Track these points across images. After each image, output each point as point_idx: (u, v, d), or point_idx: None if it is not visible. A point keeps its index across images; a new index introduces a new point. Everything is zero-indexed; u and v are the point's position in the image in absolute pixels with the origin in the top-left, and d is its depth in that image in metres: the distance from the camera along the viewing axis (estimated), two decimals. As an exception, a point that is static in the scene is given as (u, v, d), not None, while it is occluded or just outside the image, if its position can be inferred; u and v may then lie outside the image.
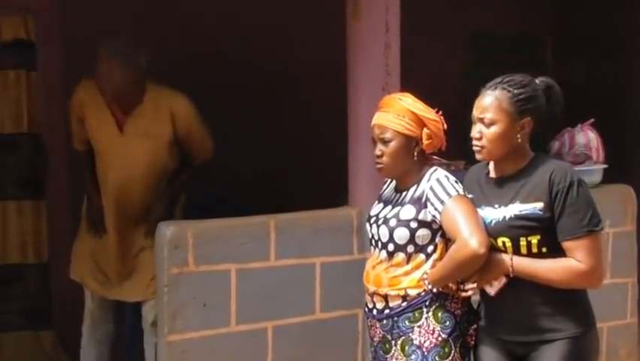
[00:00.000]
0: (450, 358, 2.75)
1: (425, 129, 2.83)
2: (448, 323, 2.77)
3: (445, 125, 2.91)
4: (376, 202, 3.01)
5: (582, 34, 6.44)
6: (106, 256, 3.77)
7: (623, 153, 5.75)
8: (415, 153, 2.84)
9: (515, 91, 2.68)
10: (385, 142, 2.83)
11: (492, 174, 2.81)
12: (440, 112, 2.93)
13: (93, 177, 3.80)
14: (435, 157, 3.79)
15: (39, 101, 4.78)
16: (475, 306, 2.90)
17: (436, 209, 2.76)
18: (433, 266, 2.79)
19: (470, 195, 2.79)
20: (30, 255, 4.88)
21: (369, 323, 2.94)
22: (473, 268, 2.67)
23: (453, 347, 2.76)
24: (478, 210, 2.74)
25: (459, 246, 2.66)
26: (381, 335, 2.87)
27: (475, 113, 2.74)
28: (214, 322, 3.34)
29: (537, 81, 2.76)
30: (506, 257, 2.66)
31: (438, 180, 2.81)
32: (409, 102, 2.86)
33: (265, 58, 5.10)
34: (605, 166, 4.20)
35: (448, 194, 2.75)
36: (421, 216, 2.78)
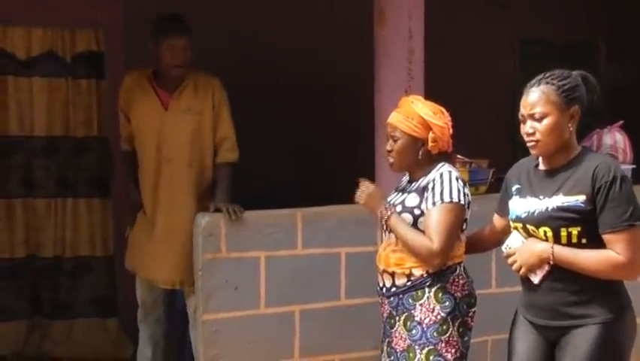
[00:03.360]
0: (447, 335, 2.96)
1: (431, 133, 3.05)
2: (447, 303, 2.99)
3: (451, 129, 3.11)
4: (393, 192, 3.25)
5: (636, 39, 6.48)
6: (151, 239, 3.94)
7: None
8: (420, 153, 3.07)
9: (559, 83, 2.78)
10: (395, 140, 3.10)
11: (541, 166, 2.88)
12: (447, 112, 3.13)
13: (134, 174, 4.07)
14: (458, 155, 4.03)
15: (107, 107, 5.19)
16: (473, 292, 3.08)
17: (426, 203, 2.99)
18: None
19: (517, 186, 2.93)
20: (98, 248, 5.29)
21: (380, 301, 3.17)
22: (416, 257, 2.99)
23: (451, 326, 2.97)
24: (522, 200, 2.85)
25: (425, 247, 2.94)
26: (388, 312, 3.10)
27: (524, 110, 2.81)
28: (245, 304, 3.65)
29: (576, 75, 2.85)
30: (547, 246, 2.74)
31: (441, 175, 3.02)
32: (419, 106, 3.10)
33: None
34: (633, 167, 4.28)
35: (442, 198, 2.96)
36: (422, 205, 3.01)
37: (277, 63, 5.42)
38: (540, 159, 2.90)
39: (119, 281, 5.16)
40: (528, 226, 2.81)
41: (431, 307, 2.99)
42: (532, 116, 2.79)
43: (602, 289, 2.73)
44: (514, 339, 2.95)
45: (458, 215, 2.98)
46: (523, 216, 2.83)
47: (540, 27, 6.41)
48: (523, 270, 2.81)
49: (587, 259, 2.69)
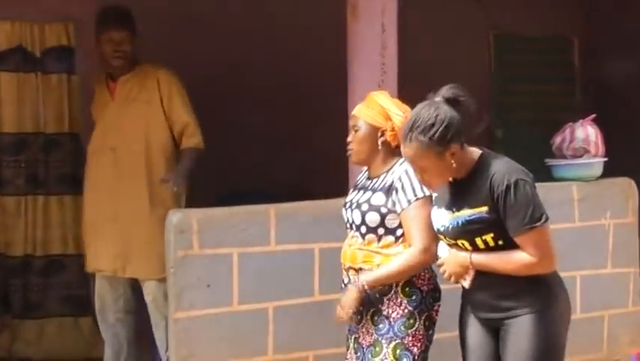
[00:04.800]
0: (414, 328, 3.00)
1: (389, 122, 3.06)
2: (414, 296, 3.02)
3: None
4: (352, 189, 3.27)
5: (610, 36, 6.51)
6: (97, 229, 4.08)
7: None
8: (380, 143, 3.08)
9: (428, 134, 2.73)
10: (356, 130, 3.13)
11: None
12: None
13: None
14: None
15: (78, 103, 5.13)
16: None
17: (400, 203, 3.00)
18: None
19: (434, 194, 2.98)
20: (70, 246, 5.20)
21: None
22: (416, 272, 3.00)
23: (418, 320, 3.01)
24: (438, 211, 2.91)
25: (413, 255, 2.96)
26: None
27: (410, 162, 2.85)
28: (217, 301, 3.62)
29: (443, 107, 2.73)
30: (466, 255, 2.83)
31: (407, 172, 3.01)
32: (379, 97, 3.15)
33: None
34: (605, 160, 4.31)
35: (415, 195, 2.98)
36: (389, 204, 3.02)
37: (250, 58, 5.40)
38: None
39: (92, 279, 5.06)
40: (447, 239, 2.89)
41: (398, 301, 3.01)
42: (422, 168, 2.80)
43: (528, 282, 2.80)
44: (465, 331, 3.02)
45: (430, 207, 2.98)
46: (442, 230, 2.90)
47: (515, 21, 6.42)
48: (452, 278, 2.91)
49: (503, 262, 2.78)
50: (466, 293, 2.98)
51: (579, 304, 4.11)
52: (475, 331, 2.97)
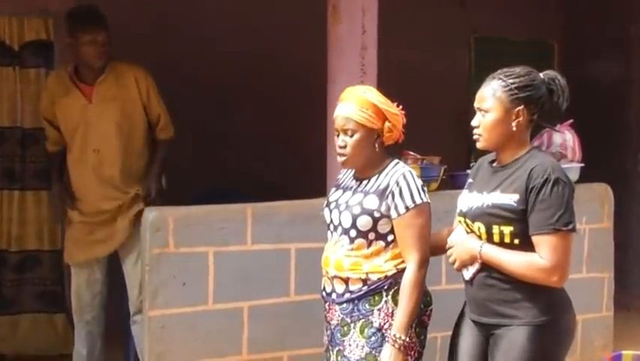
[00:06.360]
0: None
1: (387, 122, 2.89)
2: None
3: (404, 119, 2.99)
4: (334, 189, 3.07)
5: (590, 41, 6.57)
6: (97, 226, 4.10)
7: (621, 154, 5.90)
8: (377, 145, 2.90)
9: (510, 80, 2.75)
10: (349, 134, 2.88)
11: (495, 163, 2.87)
12: (401, 107, 3.03)
13: (59, 174, 4.22)
14: (410, 152, 4.01)
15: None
16: None
17: (396, 209, 2.84)
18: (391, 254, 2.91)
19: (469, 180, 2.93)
20: (46, 242, 5.17)
21: (327, 307, 3.00)
22: (423, 286, 2.87)
23: (410, 327, 2.83)
24: (469, 195, 2.84)
25: (415, 274, 2.82)
26: (339, 318, 2.93)
27: (475, 103, 2.82)
28: (193, 300, 3.60)
29: (541, 75, 2.81)
30: (477, 244, 2.74)
31: (404, 176, 2.86)
32: (371, 95, 2.91)
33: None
34: (581, 165, 4.33)
35: (414, 201, 2.83)
36: (383, 208, 2.84)
37: (226, 58, 5.39)
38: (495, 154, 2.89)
39: (67, 276, 5.02)
40: (467, 220, 2.82)
41: (390, 311, 2.85)
42: (479, 110, 2.80)
43: (533, 291, 2.69)
44: (458, 333, 2.95)
45: (429, 214, 2.89)
46: (465, 210, 2.84)
47: (496, 25, 6.45)
48: (457, 264, 2.83)
49: (512, 260, 2.68)
50: (466, 290, 2.87)
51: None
52: (472, 337, 2.87)
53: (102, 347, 4.26)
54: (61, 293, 5.17)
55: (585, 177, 4.39)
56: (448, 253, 2.85)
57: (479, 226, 2.76)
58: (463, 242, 2.80)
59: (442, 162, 4.15)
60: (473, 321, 2.87)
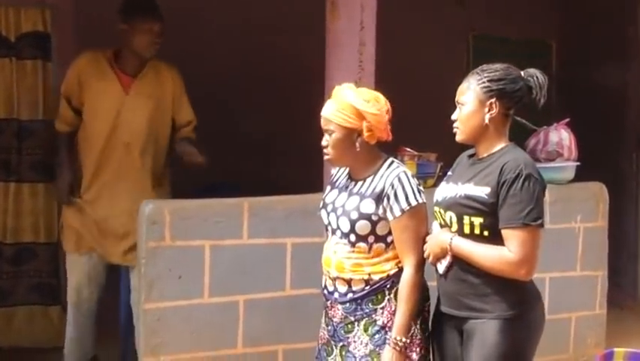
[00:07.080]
0: (411, 333, 2.88)
1: (365, 122, 2.87)
2: None
3: (388, 117, 2.95)
4: (329, 188, 3.08)
5: (588, 41, 6.58)
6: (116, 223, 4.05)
7: (617, 154, 5.92)
8: (358, 144, 2.90)
9: (485, 74, 2.80)
10: (329, 133, 2.92)
11: (473, 156, 2.95)
12: (387, 107, 2.98)
13: (69, 155, 4.15)
14: (407, 149, 4.02)
15: (53, 90, 5.04)
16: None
17: (392, 212, 2.85)
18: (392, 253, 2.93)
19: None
20: (42, 234, 5.15)
21: (329, 305, 3.02)
22: (420, 287, 2.90)
23: (414, 325, 2.89)
24: (446, 186, 2.89)
25: (412, 276, 2.85)
26: (342, 316, 2.95)
27: (456, 98, 2.90)
28: (188, 293, 3.62)
29: (521, 72, 2.84)
30: (447, 237, 2.80)
31: (399, 178, 2.87)
32: (350, 95, 2.91)
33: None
34: (577, 164, 4.35)
35: (409, 203, 2.84)
36: (380, 211, 2.87)
37: (228, 54, 5.40)
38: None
39: (63, 268, 5.03)
40: (440, 210, 2.86)
41: (393, 309, 2.88)
42: (458, 103, 2.86)
43: (502, 285, 2.75)
44: (433, 327, 2.99)
45: (425, 215, 2.91)
46: (440, 200, 2.89)
47: (494, 24, 6.46)
48: (431, 258, 2.86)
49: (482, 253, 2.73)
50: (439, 284, 2.92)
51: (547, 305, 4.05)
52: (446, 332, 2.91)
53: (94, 335, 4.25)
54: (56, 286, 5.14)
55: (581, 176, 4.42)
56: (424, 247, 2.89)
57: (451, 216, 2.81)
58: (436, 236, 2.85)
59: (439, 159, 4.16)
60: (446, 314, 2.90)
